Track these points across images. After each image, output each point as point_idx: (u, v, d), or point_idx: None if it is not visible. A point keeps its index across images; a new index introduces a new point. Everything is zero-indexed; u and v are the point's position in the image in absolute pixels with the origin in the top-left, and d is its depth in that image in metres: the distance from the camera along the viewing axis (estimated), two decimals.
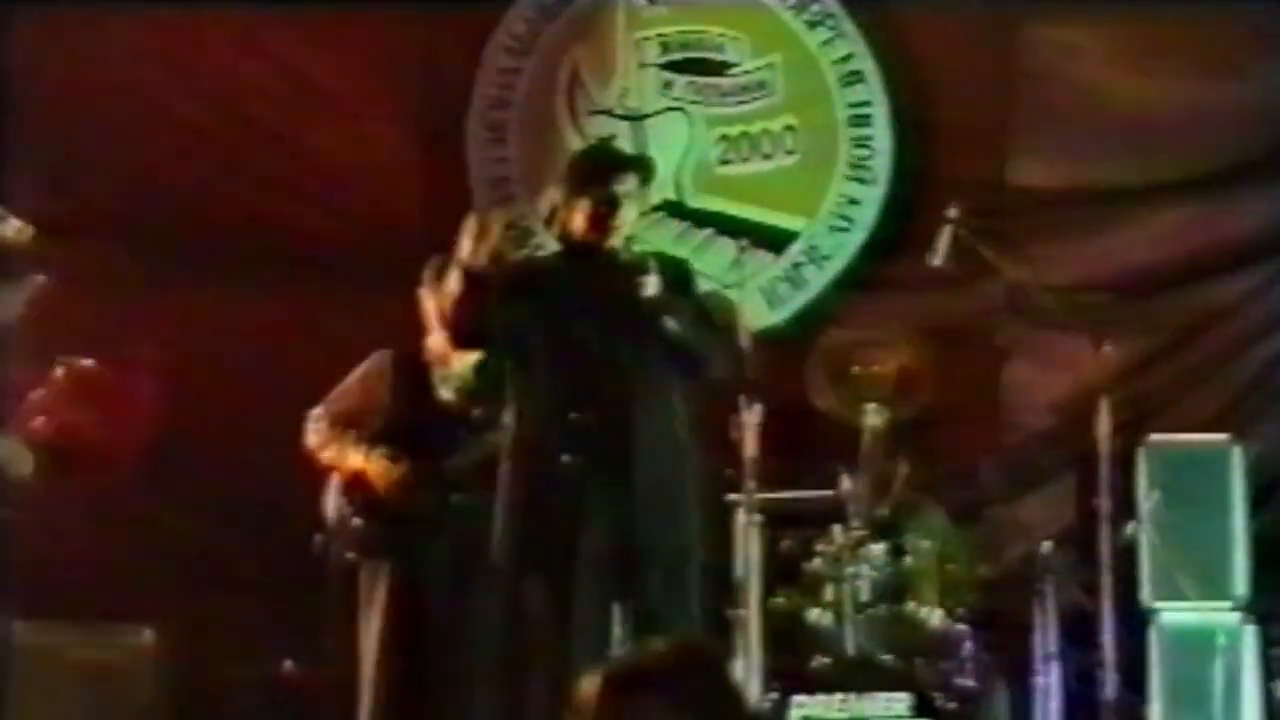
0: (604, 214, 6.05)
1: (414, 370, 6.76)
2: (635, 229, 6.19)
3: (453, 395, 6.73)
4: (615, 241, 6.07)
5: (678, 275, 6.17)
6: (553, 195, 6.26)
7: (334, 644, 6.83)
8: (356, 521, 6.69)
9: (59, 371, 6.96)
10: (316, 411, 6.83)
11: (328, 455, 6.76)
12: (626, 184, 6.11)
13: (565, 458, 5.89)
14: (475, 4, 8.87)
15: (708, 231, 8.69)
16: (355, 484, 6.70)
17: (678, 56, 8.84)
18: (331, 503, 6.79)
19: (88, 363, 6.96)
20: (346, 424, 6.77)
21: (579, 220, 6.09)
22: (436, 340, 6.58)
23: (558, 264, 6.27)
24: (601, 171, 6.13)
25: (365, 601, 6.74)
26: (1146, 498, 7.47)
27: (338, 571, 6.73)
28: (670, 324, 5.96)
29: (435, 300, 6.61)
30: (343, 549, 6.71)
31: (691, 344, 6.03)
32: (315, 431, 6.80)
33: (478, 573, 6.56)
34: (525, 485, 6.00)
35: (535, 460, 5.99)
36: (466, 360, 6.61)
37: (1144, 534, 7.41)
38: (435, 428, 6.69)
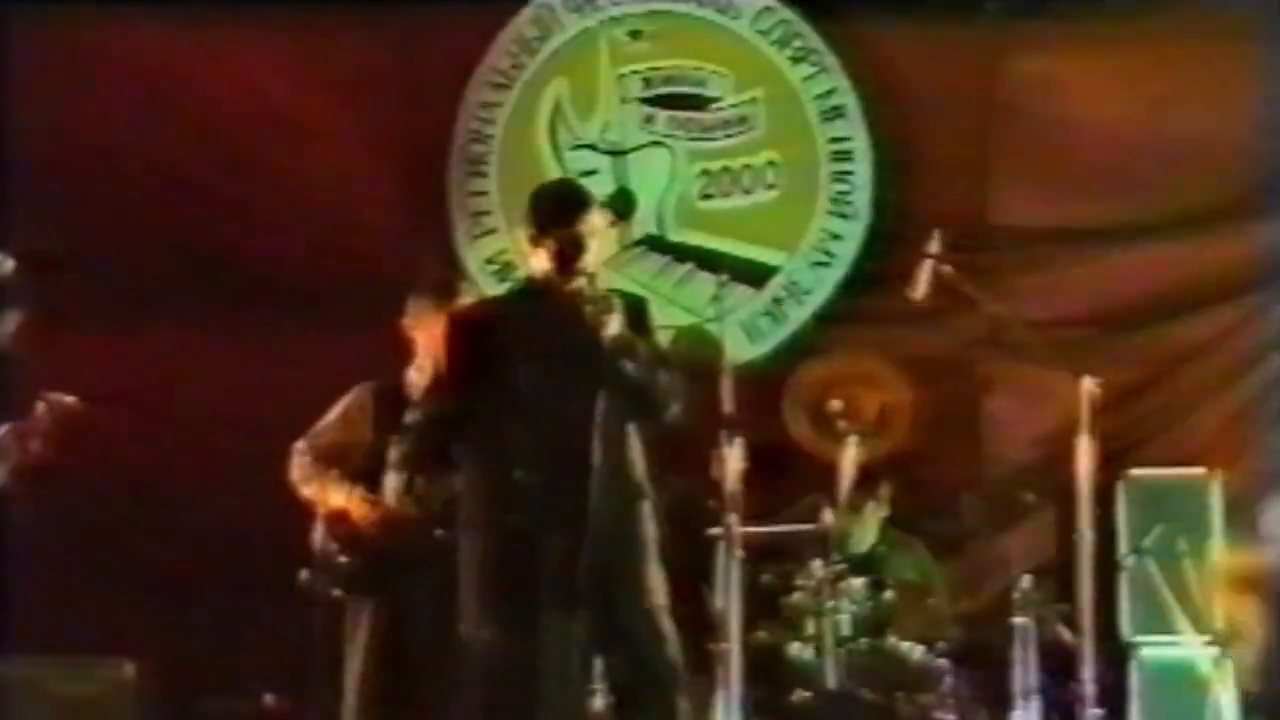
0: (570, 255, 5.97)
1: (396, 401, 6.75)
2: (599, 266, 6.08)
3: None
4: (579, 282, 5.98)
5: (636, 315, 6.08)
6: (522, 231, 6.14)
7: (319, 678, 6.81)
8: (341, 558, 6.67)
9: (41, 407, 6.94)
10: (300, 445, 6.82)
11: (310, 491, 6.75)
12: (590, 223, 5.98)
13: (514, 518, 5.81)
14: (458, 37, 8.88)
15: (688, 266, 8.71)
16: (339, 520, 6.69)
17: (660, 91, 8.87)
18: (317, 538, 6.78)
19: (70, 399, 6.94)
20: (330, 458, 6.75)
21: (543, 260, 6.00)
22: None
23: (516, 306, 6.13)
24: (566, 211, 5.98)
25: (350, 637, 6.72)
26: (1146, 531, 7.48)
27: (323, 606, 6.71)
28: (629, 368, 5.89)
29: (423, 335, 6.63)
30: (328, 585, 6.69)
31: (648, 388, 5.96)
32: (299, 466, 6.79)
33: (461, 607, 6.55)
34: (480, 547, 5.94)
35: (487, 519, 5.92)
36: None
37: (1142, 567, 7.42)
38: None
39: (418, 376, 6.75)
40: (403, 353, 6.87)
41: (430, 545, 6.50)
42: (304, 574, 6.71)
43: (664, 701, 5.91)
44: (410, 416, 6.41)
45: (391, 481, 6.64)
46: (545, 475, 5.83)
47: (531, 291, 6.07)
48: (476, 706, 5.91)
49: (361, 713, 6.62)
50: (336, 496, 6.67)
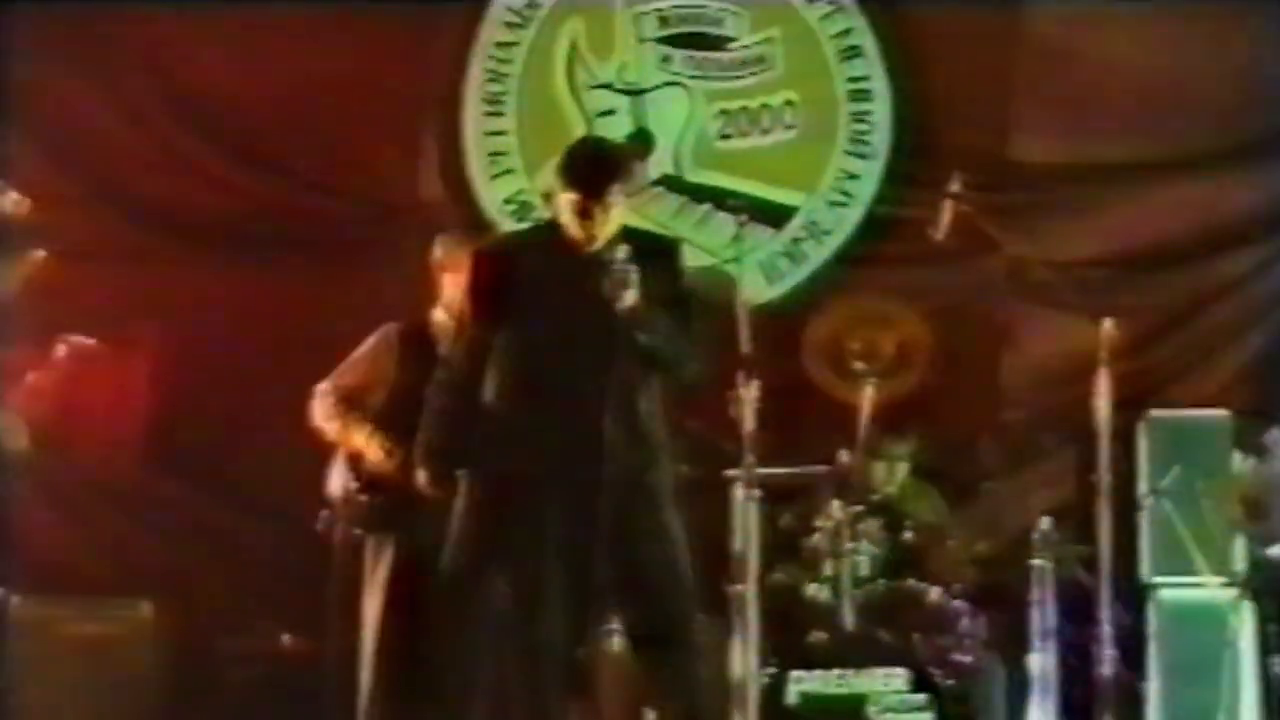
0: (592, 219, 5.91)
1: (422, 343, 6.74)
2: (623, 218, 6.04)
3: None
4: (598, 242, 5.93)
5: (667, 258, 6.05)
6: (549, 177, 6.11)
7: (337, 618, 6.82)
8: (362, 497, 6.67)
9: (60, 349, 6.95)
10: (323, 386, 6.81)
11: (332, 431, 6.75)
12: (617, 191, 5.93)
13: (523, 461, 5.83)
14: None
15: (707, 206, 8.67)
16: (360, 457, 6.70)
17: (677, 31, 8.82)
18: (337, 478, 6.78)
19: (89, 341, 6.94)
20: (353, 399, 6.75)
21: (566, 213, 6.00)
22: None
23: (541, 248, 6.07)
24: (597, 179, 5.92)
25: (369, 576, 6.72)
26: (1167, 472, 7.46)
27: (342, 546, 6.72)
28: (644, 338, 5.88)
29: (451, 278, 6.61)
30: (348, 524, 6.69)
31: (662, 355, 5.95)
32: (322, 406, 6.78)
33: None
34: (488, 484, 5.94)
35: (498, 460, 5.93)
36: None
37: (1161, 508, 7.40)
38: None
39: (444, 317, 6.74)
40: (427, 294, 6.84)
41: (452, 486, 6.49)
42: (324, 513, 6.72)
43: (680, 643, 5.91)
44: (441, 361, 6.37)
45: None
46: (558, 424, 5.83)
47: (554, 238, 6.04)
48: (480, 652, 5.93)
49: (379, 652, 6.64)
50: (358, 437, 6.67)
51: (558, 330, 5.90)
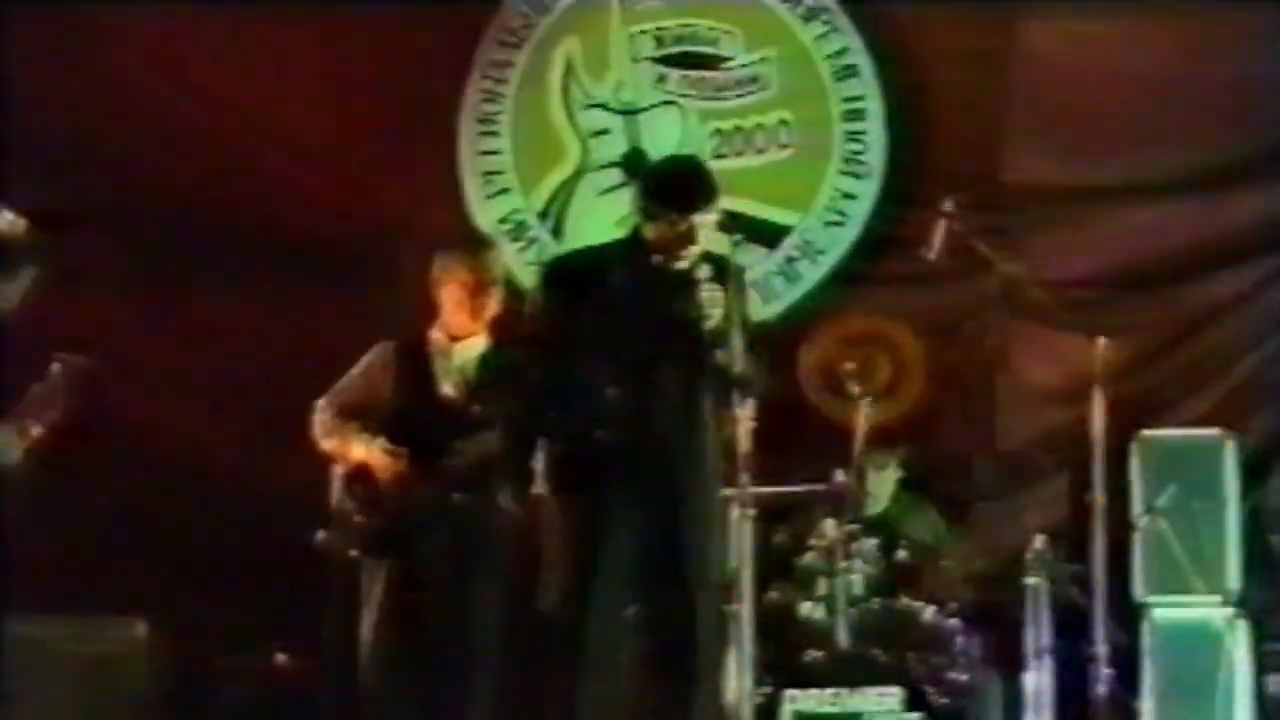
0: (680, 241, 5.95)
1: (417, 360, 6.75)
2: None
3: (453, 390, 6.72)
4: (684, 261, 5.96)
5: (734, 277, 6.09)
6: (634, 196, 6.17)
7: (334, 637, 6.82)
8: (358, 518, 6.67)
9: (56, 367, 6.95)
10: (322, 402, 6.81)
11: (331, 446, 6.75)
12: (707, 210, 5.99)
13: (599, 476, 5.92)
14: None
15: None
16: (357, 477, 6.69)
17: (672, 50, 8.84)
18: (336, 497, 6.78)
19: (84, 360, 6.96)
20: (351, 415, 6.76)
21: (652, 233, 6.00)
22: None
23: (620, 263, 6.12)
24: (688, 194, 5.99)
25: (366, 597, 6.72)
26: (1160, 492, 7.47)
27: (339, 566, 6.72)
28: (721, 357, 5.91)
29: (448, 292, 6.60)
30: (344, 544, 6.69)
31: (736, 377, 5.99)
32: (320, 422, 6.78)
33: (477, 570, 6.55)
34: (578, 506, 6.01)
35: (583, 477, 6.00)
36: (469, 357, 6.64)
37: (1155, 527, 7.41)
38: (438, 420, 6.67)
39: (441, 334, 6.75)
40: (425, 311, 6.85)
41: (448, 508, 6.50)
42: (321, 534, 6.72)
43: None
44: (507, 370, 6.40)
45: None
46: (641, 441, 5.94)
47: (634, 254, 6.06)
48: (559, 677, 5.99)
49: (375, 673, 6.63)
50: (358, 450, 6.66)
51: (639, 346, 5.93)
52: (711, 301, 5.85)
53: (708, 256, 6.02)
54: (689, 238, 5.97)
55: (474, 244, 6.83)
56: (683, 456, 5.89)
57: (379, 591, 6.67)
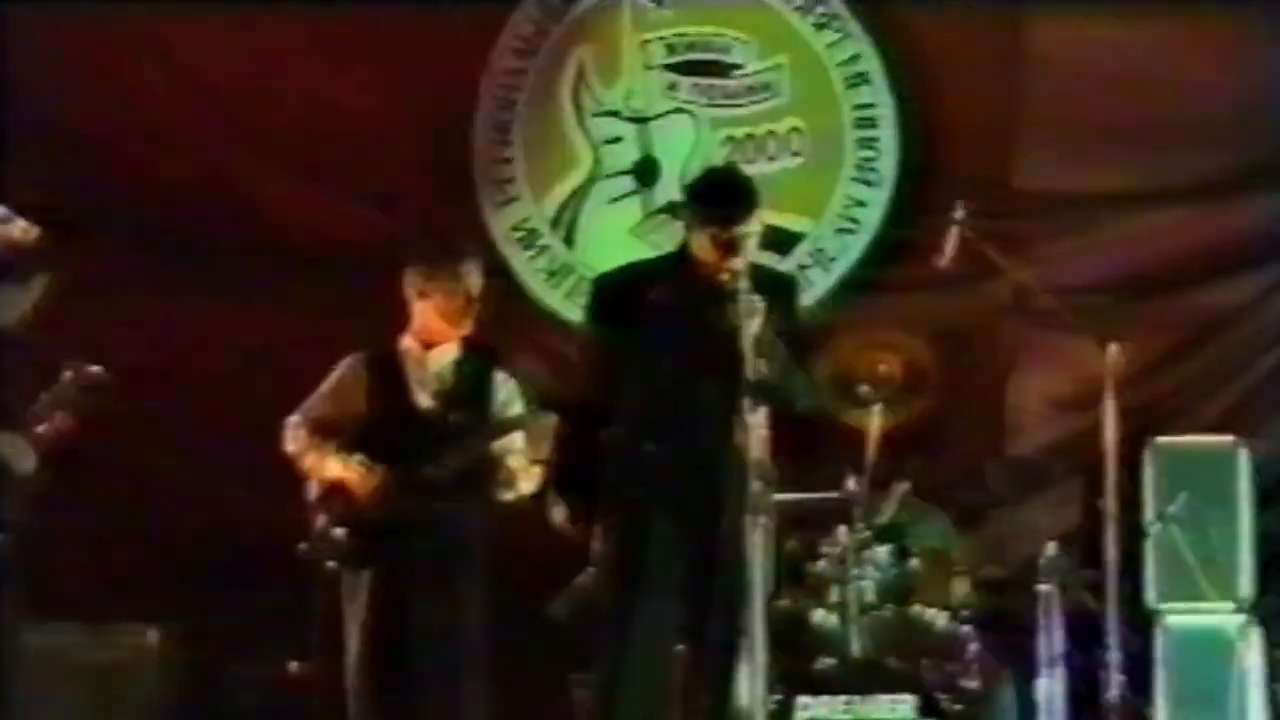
0: (725, 251, 5.94)
1: (389, 371, 6.71)
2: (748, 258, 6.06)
3: (430, 398, 6.68)
4: (728, 276, 5.94)
5: (785, 293, 6.13)
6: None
7: (319, 651, 6.79)
8: (337, 531, 6.62)
9: (67, 374, 6.97)
10: (294, 419, 6.74)
11: (306, 463, 6.70)
12: (752, 224, 5.99)
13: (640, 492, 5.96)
14: (482, 4, 8.86)
15: None
16: (334, 492, 6.64)
17: (684, 58, 8.84)
18: (311, 510, 6.72)
19: (95, 368, 6.98)
20: (325, 430, 6.69)
21: (701, 243, 6.01)
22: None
23: (667, 277, 6.13)
24: (731, 211, 5.99)
25: (348, 608, 6.67)
26: (1173, 498, 7.46)
27: (320, 579, 6.67)
28: (762, 368, 5.93)
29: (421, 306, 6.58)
30: (324, 558, 6.64)
31: (779, 390, 6.00)
32: (294, 439, 6.72)
33: (460, 580, 6.52)
34: (620, 516, 6.06)
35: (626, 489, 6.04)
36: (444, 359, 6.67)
37: (1168, 534, 7.41)
38: (415, 430, 6.63)
39: (413, 342, 6.71)
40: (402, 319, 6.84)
41: (428, 516, 6.46)
42: (302, 546, 6.66)
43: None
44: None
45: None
46: (683, 453, 5.96)
47: (682, 268, 6.08)
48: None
49: (360, 684, 6.59)
50: (334, 467, 6.60)
51: (684, 360, 5.96)
52: (750, 312, 5.85)
53: (754, 268, 6.03)
54: (733, 248, 5.97)
55: (456, 256, 6.75)
56: (722, 471, 5.89)
57: (362, 602, 6.61)
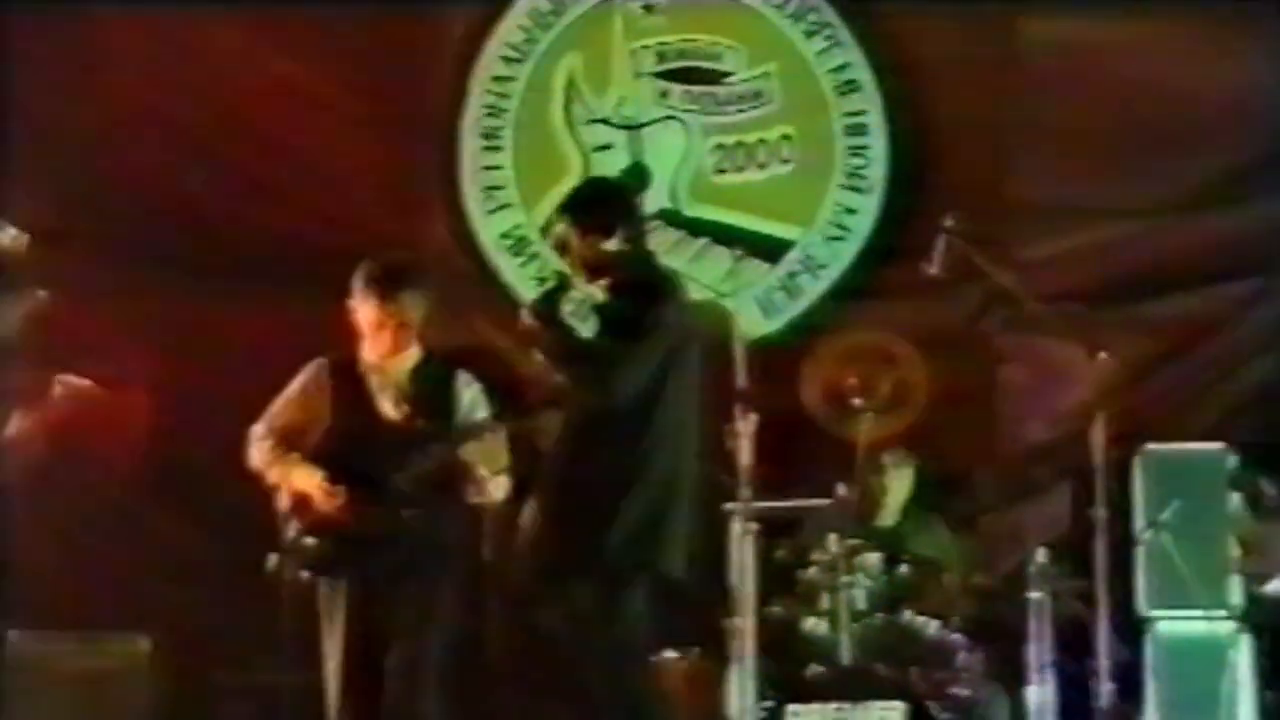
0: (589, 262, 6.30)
1: (353, 378, 6.61)
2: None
3: (392, 406, 6.60)
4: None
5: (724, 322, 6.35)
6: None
7: (292, 660, 6.73)
8: (308, 540, 6.55)
9: (57, 388, 6.97)
10: (259, 430, 6.61)
11: (272, 477, 6.60)
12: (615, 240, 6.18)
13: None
14: (471, 11, 8.87)
15: (703, 240, 8.70)
16: (303, 502, 6.56)
17: (674, 65, 8.85)
18: (281, 522, 6.64)
19: (85, 381, 6.97)
20: (290, 439, 6.56)
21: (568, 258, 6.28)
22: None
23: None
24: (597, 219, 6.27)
25: (325, 617, 6.61)
26: (1162, 506, 7.47)
27: (292, 589, 6.60)
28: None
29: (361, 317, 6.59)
30: (295, 567, 6.57)
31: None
32: (259, 451, 6.58)
33: (434, 585, 6.48)
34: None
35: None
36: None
37: (1158, 542, 7.41)
38: (380, 439, 6.56)
39: (369, 352, 6.62)
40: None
41: (398, 525, 6.42)
42: (272, 557, 6.58)
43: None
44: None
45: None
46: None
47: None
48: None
49: (340, 693, 6.54)
50: (299, 480, 6.53)
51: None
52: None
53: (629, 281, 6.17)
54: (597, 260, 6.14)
55: (396, 278, 6.63)
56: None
57: (339, 614, 6.55)
